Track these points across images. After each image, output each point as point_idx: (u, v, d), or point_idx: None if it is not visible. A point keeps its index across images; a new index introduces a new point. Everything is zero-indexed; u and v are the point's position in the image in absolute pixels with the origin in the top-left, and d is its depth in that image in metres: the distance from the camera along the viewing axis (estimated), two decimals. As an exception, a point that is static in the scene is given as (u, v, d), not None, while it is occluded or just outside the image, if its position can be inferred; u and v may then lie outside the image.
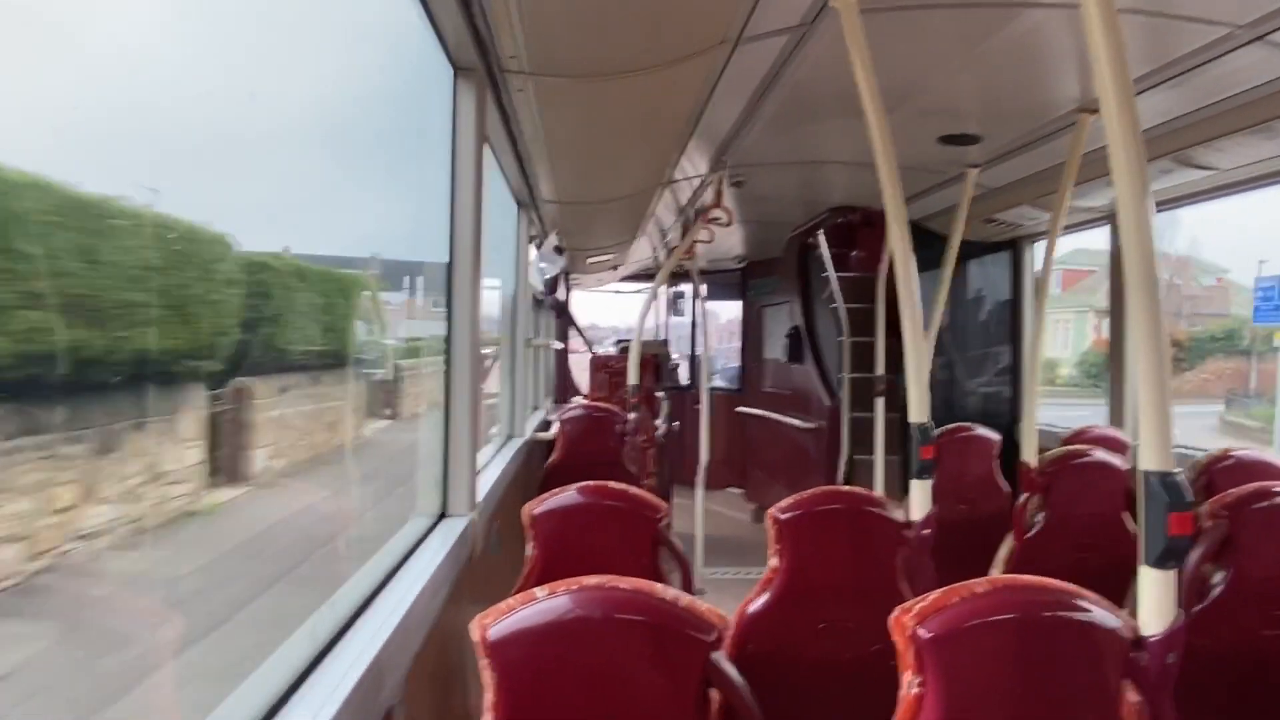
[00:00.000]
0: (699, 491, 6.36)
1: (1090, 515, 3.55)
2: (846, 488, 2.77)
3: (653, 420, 7.27)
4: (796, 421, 7.18)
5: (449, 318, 2.73)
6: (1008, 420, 6.00)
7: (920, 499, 2.67)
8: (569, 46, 2.69)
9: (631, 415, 5.10)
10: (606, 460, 4.75)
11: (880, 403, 5.74)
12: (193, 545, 2.56)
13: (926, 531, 2.61)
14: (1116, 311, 5.20)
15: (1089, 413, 6.30)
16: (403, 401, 4.86)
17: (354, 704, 1.42)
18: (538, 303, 7.49)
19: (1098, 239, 5.39)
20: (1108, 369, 5.36)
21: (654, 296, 6.58)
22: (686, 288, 10.38)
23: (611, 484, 2.85)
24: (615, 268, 9.40)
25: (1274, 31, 2.67)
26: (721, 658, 1.73)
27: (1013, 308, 6.26)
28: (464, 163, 2.70)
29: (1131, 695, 1.64)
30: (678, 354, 10.86)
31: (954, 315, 6.68)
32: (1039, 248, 6.00)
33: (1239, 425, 12.94)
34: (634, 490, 2.85)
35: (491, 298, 5.28)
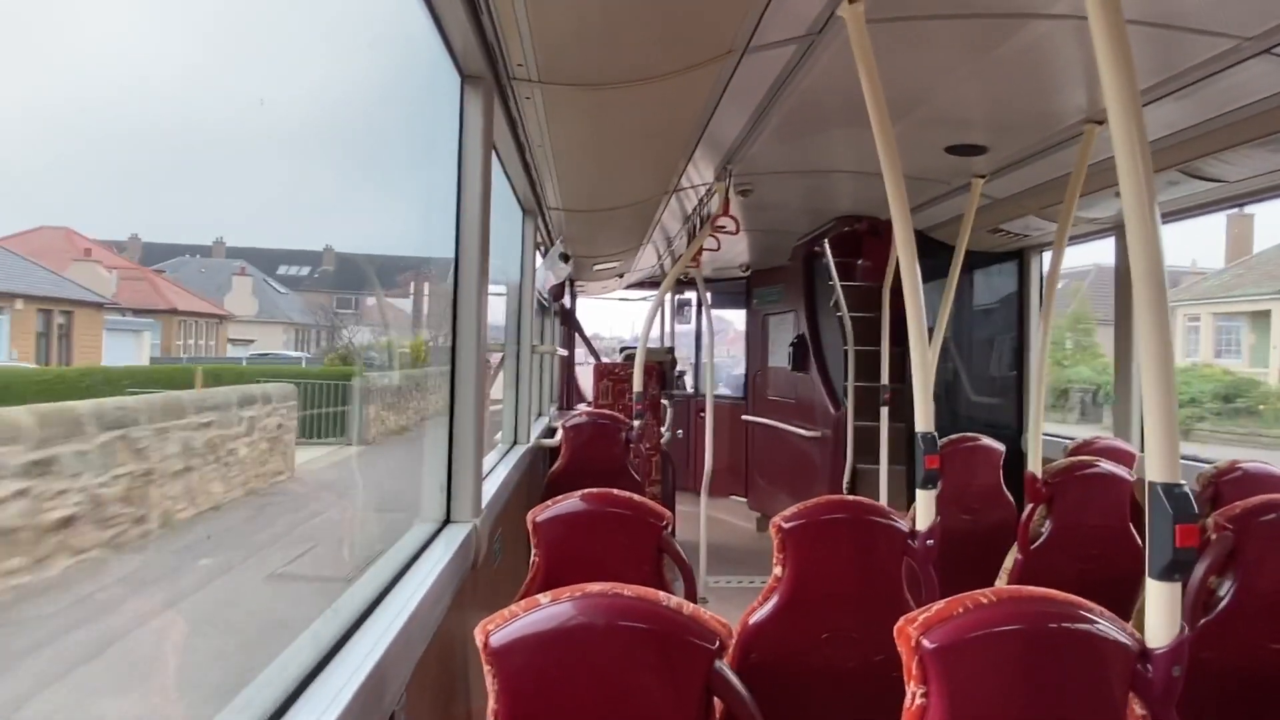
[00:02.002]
0: (703, 499, 6.35)
1: (1096, 527, 3.54)
2: (851, 497, 2.76)
3: (657, 428, 7.28)
4: (801, 430, 7.17)
5: (454, 324, 2.73)
6: (1013, 431, 5.99)
7: (925, 509, 2.66)
8: (577, 55, 2.70)
9: (636, 423, 5.10)
10: (611, 468, 4.74)
11: (885, 412, 5.74)
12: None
13: (931, 542, 2.60)
14: (1123, 322, 5.19)
15: None
16: None
17: (357, 710, 1.42)
18: (543, 309, 7.50)
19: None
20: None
21: (659, 304, 6.58)
22: (692, 295, 10.40)
23: (615, 491, 2.85)
24: (621, 275, 9.41)
25: None
26: (724, 666, 1.73)
27: (1019, 318, 6.25)
28: (470, 170, 2.71)
29: (1137, 708, 1.63)
30: (683, 362, 10.85)
31: (959, 325, 6.67)
32: (1045, 258, 5.99)
33: None
34: (638, 498, 2.85)
35: (497, 304, 5.28)
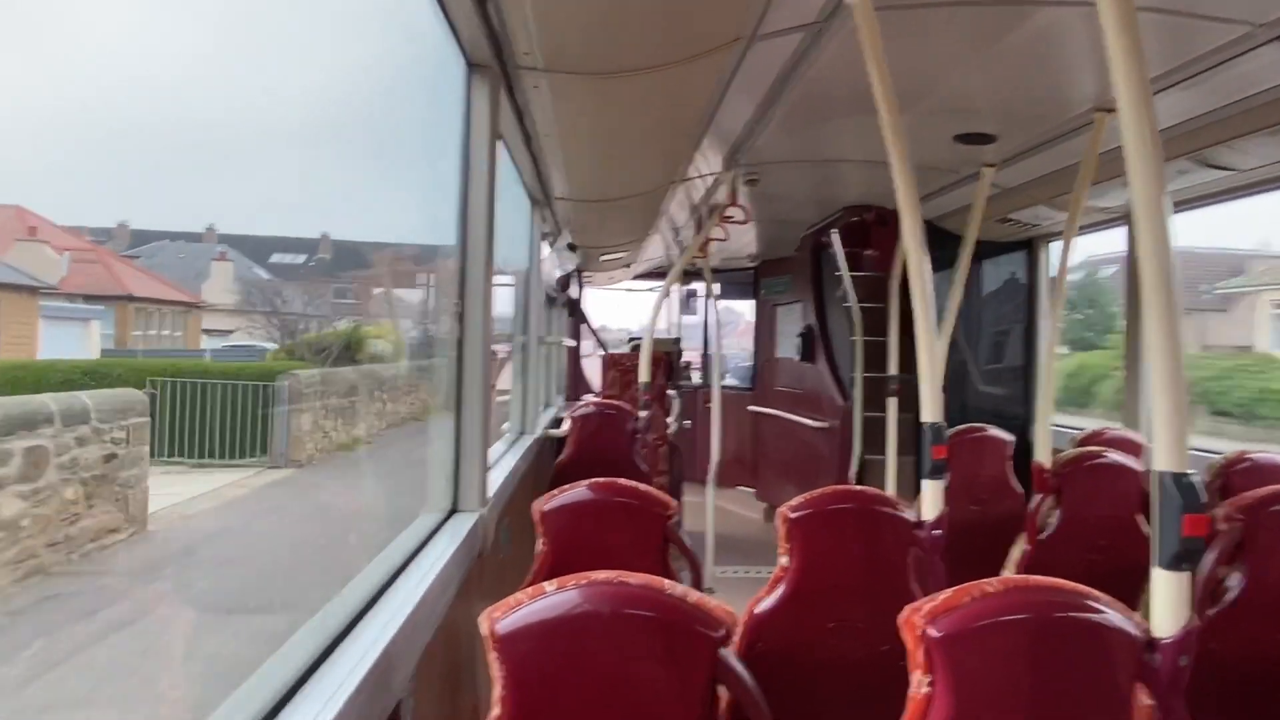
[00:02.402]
0: (710, 490, 6.36)
1: (1104, 517, 3.53)
2: (858, 487, 2.75)
3: (664, 418, 7.28)
4: (808, 421, 7.17)
5: (461, 314, 2.74)
6: (1022, 421, 5.97)
7: (932, 499, 2.65)
8: (583, 44, 2.69)
9: (643, 413, 5.10)
10: (618, 458, 4.75)
11: (893, 402, 5.72)
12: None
13: (938, 532, 2.60)
14: (1132, 311, 5.16)
15: None
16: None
17: (363, 696, 1.43)
18: (550, 300, 7.50)
19: None
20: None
21: (666, 295, 6.58)
22: (699, 286, 10.38)
23: (622, 481, 2.85)
24: (628, 265, 9.40)
25: None
26: (730, 655, 1.73)
27: (1028, 308, 6.22)
28: (477, 159, 2.71)
29: (1143, 698, 1.62)
30: (690, 352, 10.84)
31: (968, 315, 6.64)
32: (1054, 247, 5.96)
33: None
34: (644, 488, 2.85)
35: (504, 295, 5.28)
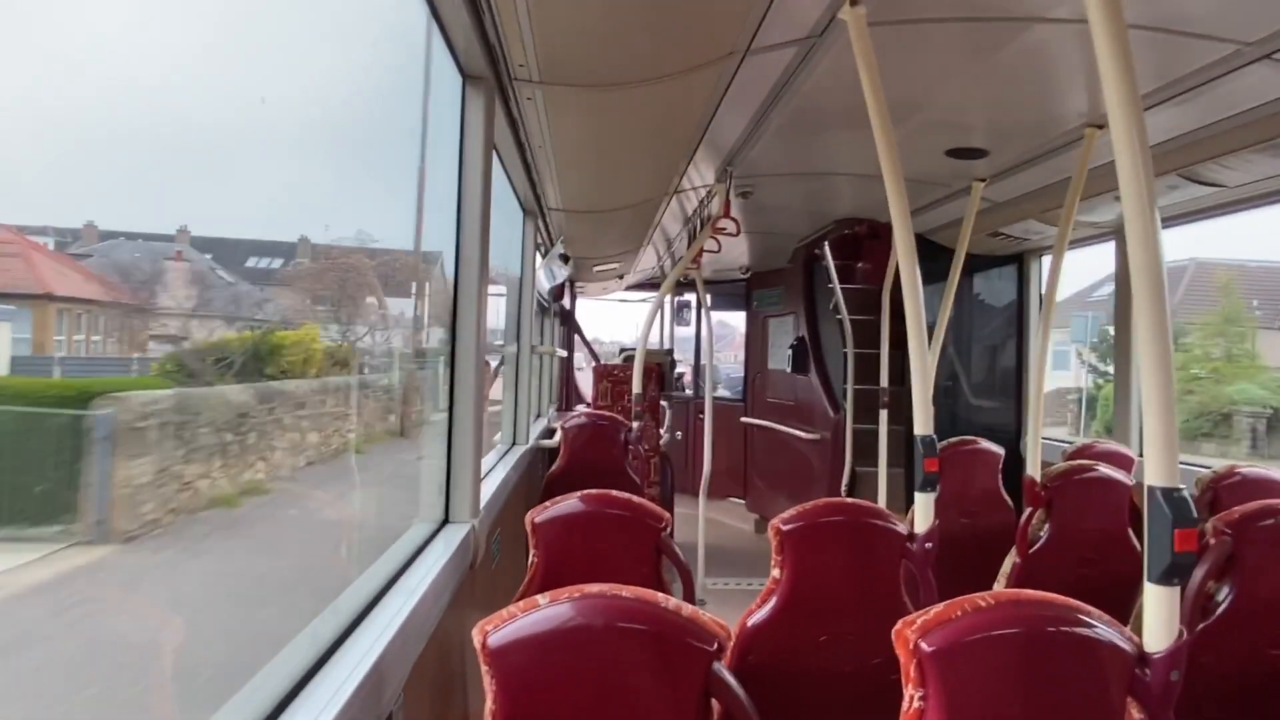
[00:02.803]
0: (701, 501, 6.35)
1: (1095, 531, 3.53)
2: (850, 499, 2.76)
3: (656, 429, 7.28)
4: (800, 433, 7.17)
5: (454, 324, 2.73)
6: (1012, 434, 6.00)
7: (924, 512, 2.66)
8: (578, 56, 2.70)
9: (635, 424, 5.10)
10: (610, 469, 4.73)
11: (884, 415, 5.74)
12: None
13: (929, 545, 2.60)
14: (1122, 326, 5.19)
15: None
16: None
17: (354, 710, 1.42)
18: (543, 310, 7.50)
19: None
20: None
21: (659, 306, 6.58)
22: (692, 298, 10.41)
23: (614, 492, 2.85)
24: (621, 277, 9.41)
25: None
26: (723, 668, 1.73)
27: (1018, 321, 6.25)
28: (471, 170, 2.71)
29: (1134, 712, 1.63)
30: (682, 365, 10.85)
31: (959, 328, 6.67)
32: (1045, 262, 6.00)
33: None
34: (636, 499, 2.85)
35: (496, 305, 5.28)
